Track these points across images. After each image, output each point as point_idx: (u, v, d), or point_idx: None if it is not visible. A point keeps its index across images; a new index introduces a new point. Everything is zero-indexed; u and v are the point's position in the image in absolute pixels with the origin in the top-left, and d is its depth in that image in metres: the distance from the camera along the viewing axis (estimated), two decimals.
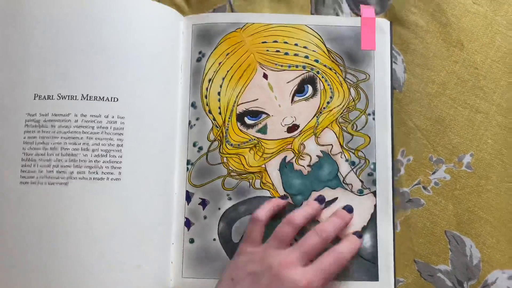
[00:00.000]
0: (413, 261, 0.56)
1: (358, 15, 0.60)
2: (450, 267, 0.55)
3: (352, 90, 0.58)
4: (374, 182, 0.56)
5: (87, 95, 0.53)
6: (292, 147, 0.57)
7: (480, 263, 0.55)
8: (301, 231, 0.53)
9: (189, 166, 0.57)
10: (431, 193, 0.57)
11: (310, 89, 0.58)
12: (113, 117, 0.53)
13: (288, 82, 0.58)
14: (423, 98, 0.58)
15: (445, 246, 0.56)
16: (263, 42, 0.58)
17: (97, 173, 0.52)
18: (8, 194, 0.51)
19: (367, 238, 0.55)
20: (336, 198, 0.56)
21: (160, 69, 0.56)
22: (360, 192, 0.56)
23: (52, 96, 0.53)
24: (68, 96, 0.53)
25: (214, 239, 0.55)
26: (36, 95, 0.53)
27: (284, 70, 0.58)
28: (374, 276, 0.54)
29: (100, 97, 0.53)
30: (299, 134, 0.57)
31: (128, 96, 0.54)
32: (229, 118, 0.57)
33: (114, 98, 0.53)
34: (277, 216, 0.54)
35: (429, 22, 0.60)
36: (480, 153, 0.57)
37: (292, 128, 0.57)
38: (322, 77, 0.58)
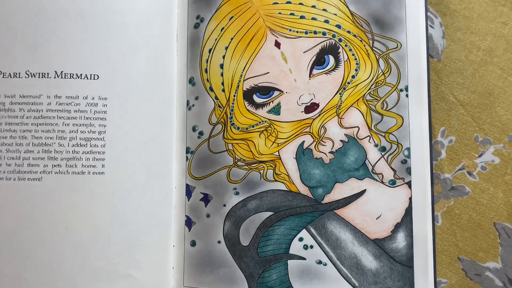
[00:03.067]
0: (457, 258, 0.54)
1: None
2: (500, 264, 0.53)
3: (381, 61, 0.53)
4: (408, 171, 0.52)
5: (61, 72, 0.49)
6: (311, 130, 0.52)
7: None
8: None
9: (189, 155, 0.53)
10: (478, 179, 0.54)
11: (331, 60, 0.53)
12: (93, 98, 0.49)
13: (305, 51, 0.53)
14: (466, 67, 0.55)
15: (494, 241, 0.53)
16: (274, 3, 0.53)
17: (75, 166, 0.49)
18: None
19: (401, 238, 0.51)
20: (364, 191, 0.52)
21: (150, 39, 0.52)
22: (392, 183, 0.51)
23: (19, 73, 0.49)
24: (39, 73, 0.49)
25: (219, 242, 0.52)
26: (0, 72, 0.50)
27: (300, 37, 0.53)
28: (409, 282, 0.51)
29: (77, 74, 0.49)
30: (319, 115, 0.53)
31: (111, 73, 0.50)
32: (234, 96, 0.53)
33: (94, 75, 0.50)
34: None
35: None
36: None
37: (311, 107, 0.52)
38: (346, 45, 0.53)
